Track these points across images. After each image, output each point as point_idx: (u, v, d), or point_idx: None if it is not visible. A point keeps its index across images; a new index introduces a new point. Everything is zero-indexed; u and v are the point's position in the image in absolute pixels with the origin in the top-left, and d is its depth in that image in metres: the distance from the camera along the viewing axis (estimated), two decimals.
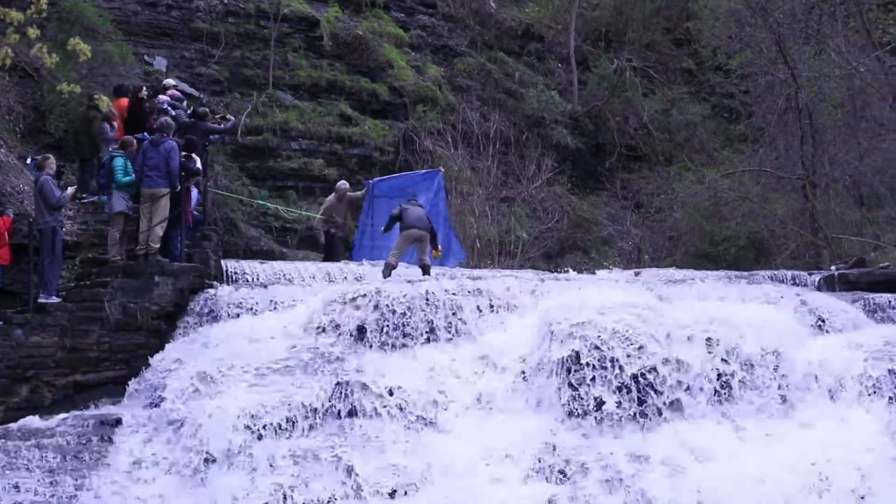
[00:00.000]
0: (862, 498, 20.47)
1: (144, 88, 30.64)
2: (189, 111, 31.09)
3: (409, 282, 27.20)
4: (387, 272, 29.11)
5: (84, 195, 28.38)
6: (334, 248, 34.12)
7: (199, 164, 28.98)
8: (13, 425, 22.49)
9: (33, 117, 32.44)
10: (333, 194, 34.49)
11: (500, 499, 20.43)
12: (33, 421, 22.75)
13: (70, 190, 26.85)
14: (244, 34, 40.79)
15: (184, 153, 28.47)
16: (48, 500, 20.60)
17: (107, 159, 27.34)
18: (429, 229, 29.75)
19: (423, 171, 36.20)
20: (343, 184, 35.18)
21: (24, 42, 23.31)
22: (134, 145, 27.44)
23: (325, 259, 33.48)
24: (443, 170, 35.97)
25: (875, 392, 22.92)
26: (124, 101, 29.94)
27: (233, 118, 34.20)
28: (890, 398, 22.73)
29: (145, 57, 38.27)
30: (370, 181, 35.32)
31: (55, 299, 25.68)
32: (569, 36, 48.24)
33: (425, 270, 29.53)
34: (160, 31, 39.56)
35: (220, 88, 39.27)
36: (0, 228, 25.16)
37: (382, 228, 31.41)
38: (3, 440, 21.55)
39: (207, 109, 33.34)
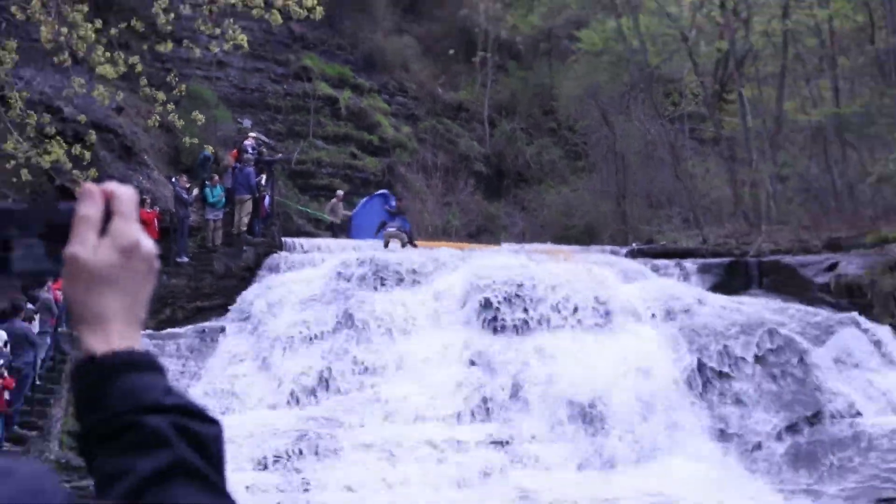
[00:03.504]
0: (649, 373, 21.52)
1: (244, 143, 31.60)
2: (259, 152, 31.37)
3: (391, 252, 28.04)
4: (385, 245, 29.48)
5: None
6: (339, 231, 34.75)
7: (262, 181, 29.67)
8: (162, 331, 23.39)
9: (173, 154, 33.46)
10: (335, 198, 35.28)
11: (442, 373, 21.28)
12: (172, 329, 23.63)
13: (193, 194, 27.57)
14: (296, 106, 40.73)
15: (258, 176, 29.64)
16: (182, 373, 21.65)
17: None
18: (404, 232, 30.51)
19: (379, 192, 36.24)
20: (339, 192, 35.76)
21: (167, 110, 24.01)
22: (216, 179, 28.28)
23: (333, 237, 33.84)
24: (387, 190, 36.35)
25: (654, 316, 23.67)
26: (235, 152, 30.77)
27: (281, 154, 35.17)
28: (660, 318, 23.53)
29: (238, 118, 38.45)
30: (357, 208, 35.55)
31: (186, 259, 26.58)
32: (484, 108, 48.47)
33: (404, 245, 29.65)
34: (246, 103, 39.62)
35: (281, 138, 39.01)
36: (151, 217, 25.34)
37: (375, 231, 31.56)
38: (154, 339, 22.30)
39: (275, 150, 34.36)
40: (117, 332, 1.68)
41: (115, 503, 1.54)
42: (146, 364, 1.67)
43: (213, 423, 1.67)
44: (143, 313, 1.74)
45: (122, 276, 1.70)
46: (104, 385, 1.63)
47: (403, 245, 29.62)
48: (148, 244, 1.74)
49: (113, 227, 1.71)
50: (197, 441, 1.61)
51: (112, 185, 1.74)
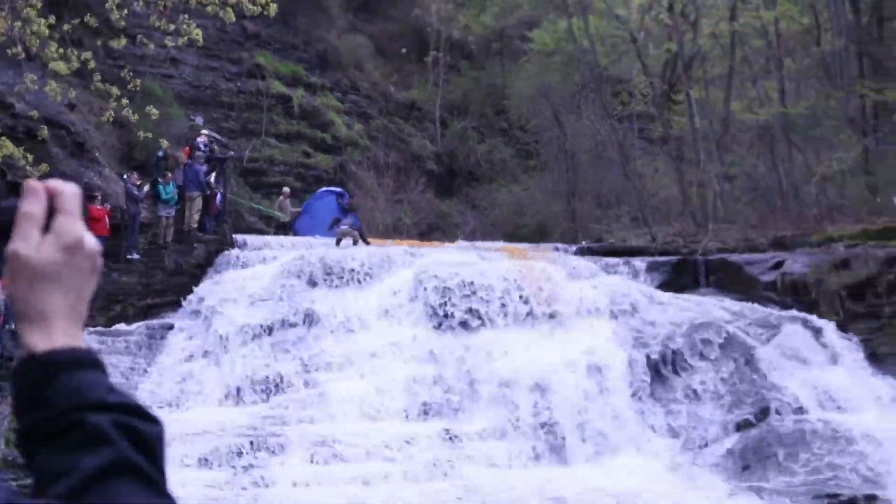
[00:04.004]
0: (599, 369, 21.54)
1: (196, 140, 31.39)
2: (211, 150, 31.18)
3: (341, 249, 27.85)
4: (337, 243, 29.37)
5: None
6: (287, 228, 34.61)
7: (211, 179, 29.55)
8: (111, 328, 23.20)
9: (125, 150, 33.20)
10: (282, 196, 35.39)
11: (392, 370, 21.16)
12: (122, 327, 23.42)
13: (144, 190, 27.22)
14: (248, 104, 40.64)
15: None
16: (131, 372, 21.29)
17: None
18: (356, 229, 30.47)
19: (328, 189, 36.21)
20: (286, 189, 35.93)
21: (121, 106, 23.66)
22: (169, 176, 28.10)
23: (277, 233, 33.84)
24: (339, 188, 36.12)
25: (604, 314, 23.60)
26: (188, 149, 30.54)
27: (233, 152, 34.98)
28: (609, 315, 23.51)
29: (190, 116, 38.33)
30: (306, 202, 35.64)
31: (136, 256, 26.26)
32: (436, 108, 48.54)
33: (355, 243, 29.47)
34: (199, 101, 39.53)
35: (234, 135, 38.93)
36: (102, 213, 25.25)
37: (328, 227, 31.54)
38: (104, 336, 22.14)
39: (228, 148, 34.25)
40: (60, 329, 1.65)
41: (58, 502, 1.52)
42: (89, 362, 1.65)
43: (155, 422, 1.65)
44: (86, 311, 1.70)
45: (65, 273, 1.67)
46: (47, 383, 1.61)
47: (355, 242, 29.52)
48: (91, 242, 1.70)
49: (56, 225, 1.67)
50: (139, 439, 1.59)
51: (56, 182, 1.71)
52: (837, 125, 36.18)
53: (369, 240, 30.71)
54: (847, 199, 34.32)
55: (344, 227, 30.09)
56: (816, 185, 34.33)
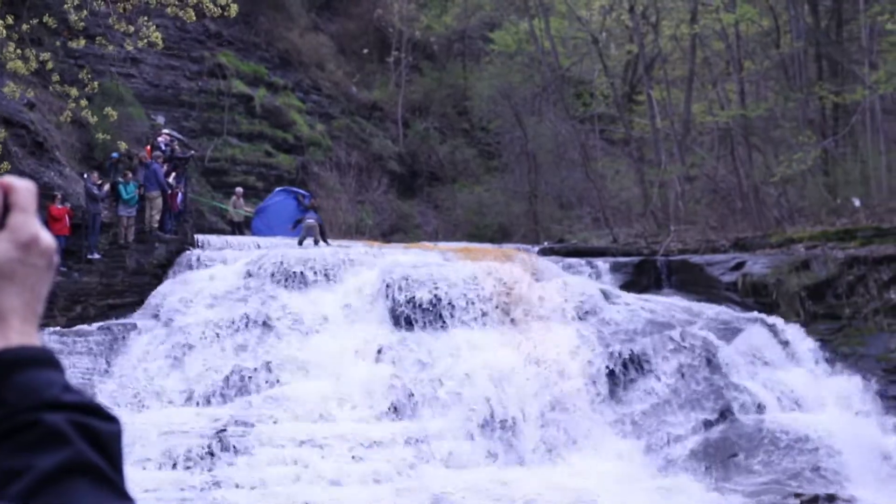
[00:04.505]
0: (560, 370, 21.53)
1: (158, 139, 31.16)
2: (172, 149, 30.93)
3: (303, 249, 27.77)
4: (299, 243, 29.19)
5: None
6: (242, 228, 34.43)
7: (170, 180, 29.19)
8: (72, 328, 22.91)
9: (86, 150, 32.96)
10: (235, 195, 35.08)
11: (355, 371, 21.10)
12: (83, 327, 23.10)
13: (105, 190, 26.90)
14: (210, 103, 40.44)
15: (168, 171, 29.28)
16: (91, 372, 21.14)
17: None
18: (319, 223, 30.43)
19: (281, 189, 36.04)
20: (238, 189, 35.63)
21: (79, 107, 23.42)
22: (129, 176, 27.71)
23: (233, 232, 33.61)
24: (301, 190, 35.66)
25: (566, 314, 23.51)
26: (149, 148, 30.22)
27: (193, 151, 34.65)
28: (571, 316, 23.43)
29: (151, 115, 38.05)
30: (260, 206, 35.25)
31: (97, 256, 25.89)
32: (398, 108, 48.40)
33: (316, 243, 29.32)
34: (160, 100, 39.21)
35: (195, 135, 38.62)
36: (62, 213, 25.13)
37: (291, 226, 31.25)
38: (65, 337, 21.94)
39: (189, 147, 33.97)
40: (15, 328, 1.58)
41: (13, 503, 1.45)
42: (44, 360, 1.58)
43: (113, 420, 1.58)
44: (42, 309, 1.65)
45: (20, 271, 1.61)
46: (1, 382, 1.54)
47: (317, 242, 29.50)
48: (47, 239, 1.63)
49: (11, 222, 1.61)
50: (96, 439, 1.53)
51: (11, 179, 1.65)
52: (797, 127, 36.40)
53: (329, 240, 30.64)
54: (807, 200, 34.54)
55: (310, 221, 30.06)
56: (776, 186, 34.52)
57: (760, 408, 20.80)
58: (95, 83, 27.07)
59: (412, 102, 49.56)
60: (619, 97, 43.19)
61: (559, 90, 43.71)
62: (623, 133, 43.83)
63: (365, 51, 50.11)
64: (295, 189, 35.66)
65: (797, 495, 17.77)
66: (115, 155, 28.02)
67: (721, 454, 19.60)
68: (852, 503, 17.88)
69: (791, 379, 22.02)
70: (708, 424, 20.41)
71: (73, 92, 26.12)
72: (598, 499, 17.70)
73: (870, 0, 35.00)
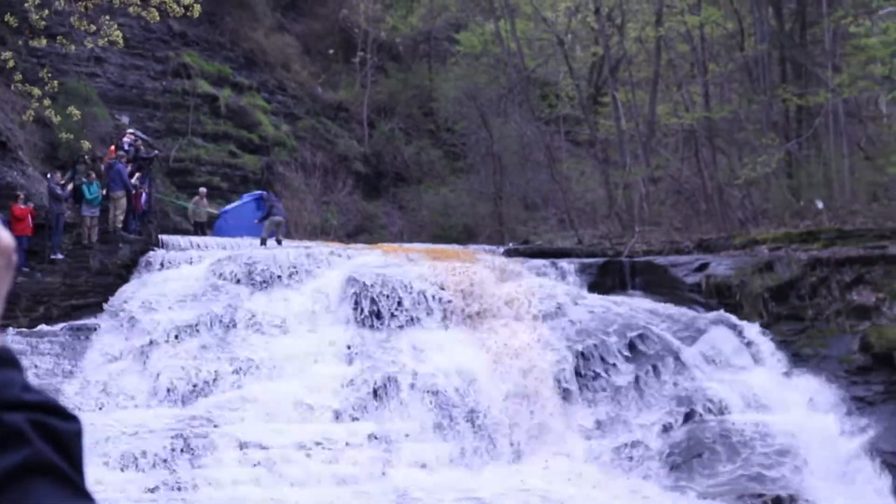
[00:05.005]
0: (526, 370, 21.62)
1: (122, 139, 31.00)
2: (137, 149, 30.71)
3: (267, 249, 27.88)
4: (262, 243, 29.33)
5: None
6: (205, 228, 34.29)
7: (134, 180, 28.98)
8: (35, 328, 22.89)
9: (49, 150, 32.77)
10: (198, 196, 34.83)
11: (320, 371, 21.16)
12: (45, 327, 23.09)
13: (68, 190, 26.74)
14: (174, 103, 40.21)
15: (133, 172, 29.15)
16: (55, 373, 21.09)
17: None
18: (285, 218, 30.48)
19: (253, 193, 35.71)
20: (202, 190, 35.38)
21: (42, 106, 23.17)
22: (93, 176, 27.52)
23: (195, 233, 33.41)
24: (264, 192, 35.32)
25: (531, 315, 23.58)
26: (113, 148, 30.16)
27: (157, 151, 34.40)
28: (536, 316, 23.53)
29: (115, 115, 37.76)
30: (225, 209, 35.24)
31: (60, 256, 25.76)
32: (363, 108, 48.37)
33: (279, 242, 29.67)
34: (125, 100, 38.95)
35: (159, 135, 38.43)
36: (25, 213, 25.03)
37: (257, 221, 31.27)
38: (28, 338, 21.88)
39: (153, 147, 33.80)
40: None
41: None
42: (4, 360, 1.59)
43: (73, 419, 1.59)
44: (1, 308, 1.64)
45: None
46: None
47: (279, 242, 29.51)
48: (5, 238, 1.63)
49: None
50: (56, 438, 1.53)
51: None
52: (760, 129, 36.60)
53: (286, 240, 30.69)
54: (770, 202, 34.73)
55: (276, 218, 30.09)
56: (740, 188, 34.70)
57: (723, 408, 20.89)
58: (55, 82, 26.86)
59: (378, 103, 49.52)
60: (584, 99, 43.34)
61: (525, 91, 43.82)
62: (588, 134, 43.95)
63: (330, 51, 50.03)
64: (264, 194, 35.49)
65: (760, 495, 17.89)
66: (78, 161, 27.96)
67: (684, 454, 19.68)
68: (813, 503, 17.99)
69: (754, 379, 22.14)
70: (671, 425, 20.51)
71: (36, 91, 25.93)
72: (562, 499, 17.76)
73: (833, 3, 35.22)
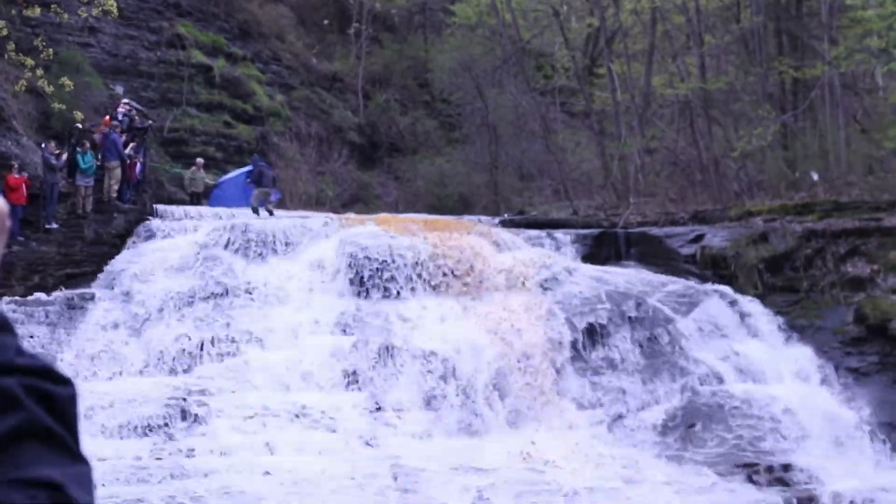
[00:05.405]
0: (521, 340, 21.71)
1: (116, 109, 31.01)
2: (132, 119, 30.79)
3: (261, 219, 27.90)
4: (254, 212, 29.22)
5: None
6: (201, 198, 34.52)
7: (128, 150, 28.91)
8: (30, 297, 22.84)
9: (43, 119, 32.72)
10: (195, 166, 35.06)
11: (315, 341, 21.10)
12: (42, 296, 23.05)
13: (63, 160, 26.68)
14: (169, 73, 40.01)
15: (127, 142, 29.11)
16: (51, 341, 21.17)
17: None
18: (276, 178, 30.35)
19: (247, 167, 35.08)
20: (199, 160, 35.52)
21: (36, 76, 23.00)
22: (87, 145, 27.50)
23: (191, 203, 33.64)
24: (256, 155, 35.25)
25: (526, 285, 23.55)
26: (107, 118, 30.15)
27: (152, 121, 34.35)
28: (532, 287, 23.46)
29: (110, 85, 37.65)
30: (222, 179, 35.42)
31: (55, 226, 25.79)
32: (358, 79, 48.28)
33: (271, 213, 29.69)
34: (119, 70, 38.78)
35: (154, 105, 38.24)
36: (19, 183, 24.99)
37: (248, 180, 31.43)
38: (24, 307, 21.86)
39: (147, 118, 33.74)
40: None
41: None
42: None
43: (67, 383, 1.58)
44: None
45: None
46: None
47: (271, 213, 29.51)
48: None
49: None
50: (50, 402, 1.52)
51: None
52: (756, 101, 36.55)
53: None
54: (766, 174, 34.73)
55: (264, 189, 30.10)
56: (736, 160, 34.67)
57: (718, 379, 20.95)
58: (50, 50, 26.76)
59: (373, 74, 49.35)
60: (579, 70, 43.22)
61: (520, 63, 43.68)
62: (583, 106, 43.85)
63: (325, 22, 49.88)
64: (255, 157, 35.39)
65: (753, 465, 17.98)
66: (76, 132, 27.91)
67: (679, 425, 19.75)
68: (807, 472, 18.08)
69: (749, 351, 22.20)
70: (666, 396, 20.56)
71: (29, 61, 25.85)
72: (557, 469, 17.82)
73: None
